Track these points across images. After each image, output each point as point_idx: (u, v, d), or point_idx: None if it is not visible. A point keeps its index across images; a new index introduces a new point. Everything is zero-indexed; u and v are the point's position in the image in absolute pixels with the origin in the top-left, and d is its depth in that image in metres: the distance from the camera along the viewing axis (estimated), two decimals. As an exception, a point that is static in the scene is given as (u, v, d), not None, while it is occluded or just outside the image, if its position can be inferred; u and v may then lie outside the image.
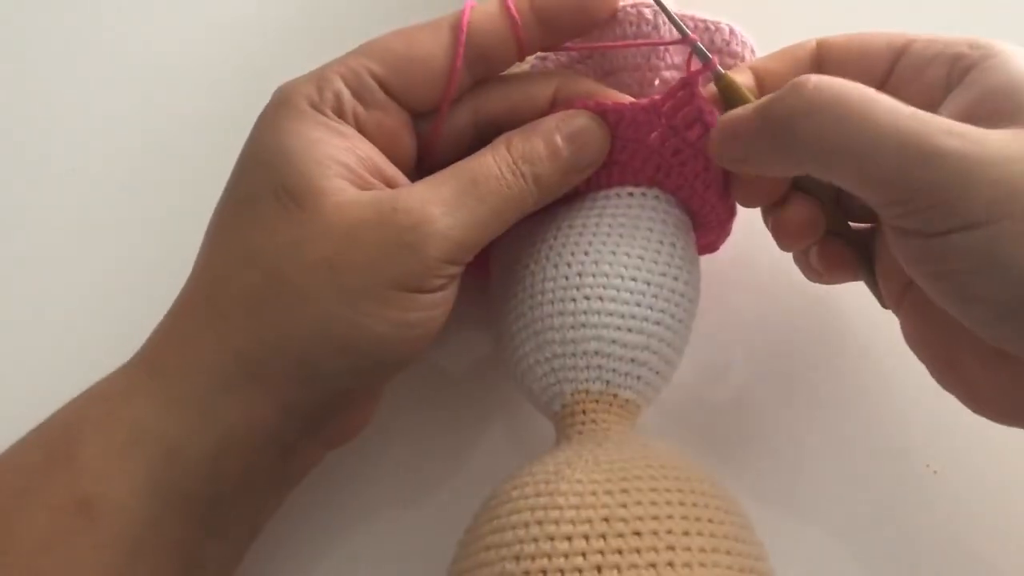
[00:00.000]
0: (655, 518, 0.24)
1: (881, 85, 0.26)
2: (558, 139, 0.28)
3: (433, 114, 0.29)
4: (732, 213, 0.31)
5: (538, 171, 0.27)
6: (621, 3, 0.29)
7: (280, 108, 0.27)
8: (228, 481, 0.25)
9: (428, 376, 0.33)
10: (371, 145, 0.28)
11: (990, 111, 0.24)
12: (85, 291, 0.36)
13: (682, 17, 0.29)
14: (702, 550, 0.23)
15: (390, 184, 0.27)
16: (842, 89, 0.24)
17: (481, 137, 0.29)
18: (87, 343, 0.33)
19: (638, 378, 0.28)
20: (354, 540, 0.31)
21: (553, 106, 0.29)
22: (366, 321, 0.25)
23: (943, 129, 0.23)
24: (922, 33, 0.27)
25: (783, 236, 0.29)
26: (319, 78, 0.27)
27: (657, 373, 0.28)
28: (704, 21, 0.29)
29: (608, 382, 0.28)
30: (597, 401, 0.28)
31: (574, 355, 0.28)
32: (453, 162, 0.29)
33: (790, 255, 0.30)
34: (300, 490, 0.29)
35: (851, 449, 0.26)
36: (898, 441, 0.27)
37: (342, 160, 0.26)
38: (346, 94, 0.27)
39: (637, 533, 0.23)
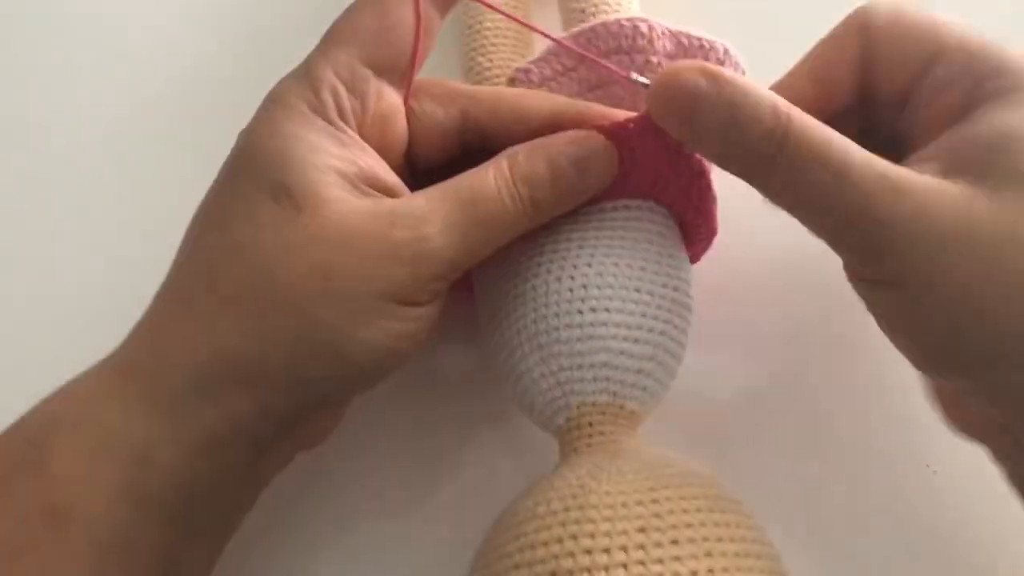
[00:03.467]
0: (689, 526, 0.24)
1: (911, 91, 0.27)
2: (564, 162, 0.28)
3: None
4: (716, 225, 0.31)
5: (537, 195, 0.27)
6: (614, 17, 0.30)
7: (278, 111, 0.26)
8: (202, 483, 0.25)
9: (414, 386, 0.32)
10: (372, 153, 0.27)
11: (965, 160, 0.24)
12: (66, 282, 0.35)
13: (676, 34, 0.30)
14: (736, 555, 0.24)
15: (390, 193, 0.27)
16: (823, 144, 0.24)
17: (465, 137, 0.29)
18: (69, 335, 0.32)
19: (643, 388, 0.28)
20: (338, 550, 0.31)
21: (552, 127, 0.28)
22: (355, 329, 0.25)
23: (892, 188, 0.24)
24: (957, 34, 0.26)
25: None
26: (313, 78, 0.27)
27: (660, 382, 0.28)
28: (699, 39, 0.30)
29: (615, 393, 0.28)
30: (604, 413, 0.28)
31: (581, 367, 0.27)
32: (439, 154, 0.29)
33: (784, 258, 0.31)
34: (284, 500, 0.29)
35: (850, 449, 0.27)
36: (898, 441, 0.28)
37: (343, 170, 0.26)
38: (342, 92, 0.27)
39: (675, 542, 0.23)
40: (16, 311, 0.35)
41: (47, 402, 0.25)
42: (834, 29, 0.29)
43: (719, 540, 0.24)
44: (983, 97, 0.25)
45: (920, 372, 0.26)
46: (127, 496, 0.24)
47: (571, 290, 0.28)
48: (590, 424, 0.28)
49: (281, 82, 0.27)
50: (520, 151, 0.28)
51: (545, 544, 0.24)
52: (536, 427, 0.29)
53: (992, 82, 0.25)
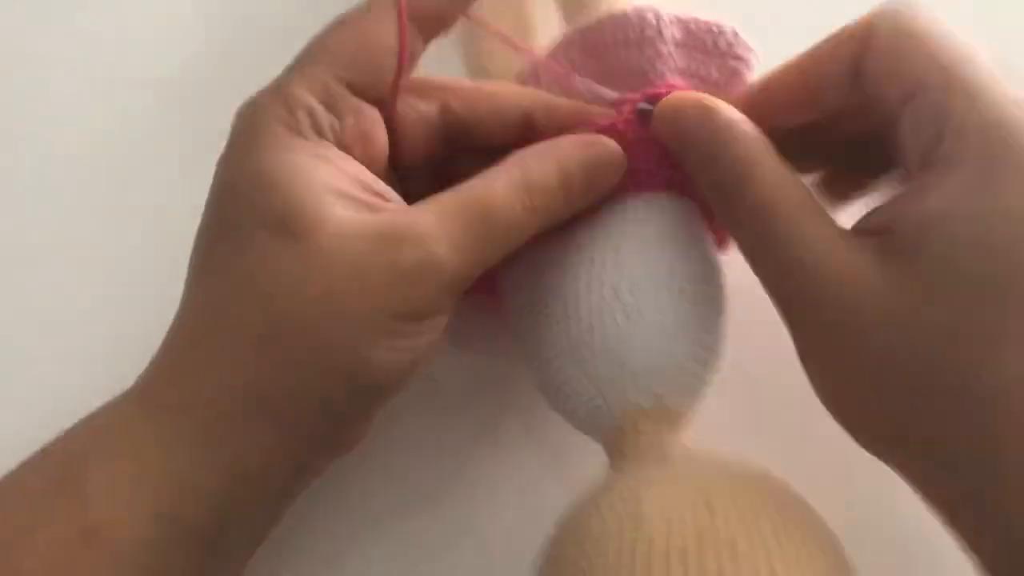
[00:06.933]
0: (747, 531, 0.24)
1: (894, 119, 0.26)
2: (574, 168, 0.27)
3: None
4: None
5: (549, 204, 0.27)
6: (620, 6, 0.29)
7: (254, 135, 0.26)
8: (237, 508, 0.25)
9: (426, 387, 0.33)
10: (355, 163, 0.27)
11: (896, 240, 0.24)
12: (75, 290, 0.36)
13: (684, 20, 0.29)
14: (798, 556, 0.23)
15: (382, 198, 0.27)
16: (775, 203, 0.25)
17: (447, 131, 0.29)
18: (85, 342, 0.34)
19: (685, 387, 0.28)
20: (355, 552, 0.32)
21: (531, 126, 0.29)
22: (372, 352, 0.25)
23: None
24: (944, 68, 0.24)
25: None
26: (286, 96, 0.27)
27: (701, 379, 0.28)
28: (707, 23, 0.29)
29: (657, 395, 0.27)
30: (648, 416, 0.27)
31: (622, 374, 0.27)
32: (423, 151, 0.29)
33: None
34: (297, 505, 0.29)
35: (851, 449, 0.27)
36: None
37: (333, 185, 0.26)
38: (319, 110, 0.27)
39: (733, 545, 0.23)
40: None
41: (73, 435, 0.26)
42: (838, 31, 0.27)
43: (779, 542, 0.23)
44: (934, 160, 0.24)
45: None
46: (161, 522, 0.24)
47: (603, 297, 0.27)
48: (636, 429, 0.27)
49: (252, 103, 0.27)
50: (529, 157, 0.27)
51: (604, 565, 0.24)
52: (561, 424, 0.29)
53: (947, 145, 0.24)
